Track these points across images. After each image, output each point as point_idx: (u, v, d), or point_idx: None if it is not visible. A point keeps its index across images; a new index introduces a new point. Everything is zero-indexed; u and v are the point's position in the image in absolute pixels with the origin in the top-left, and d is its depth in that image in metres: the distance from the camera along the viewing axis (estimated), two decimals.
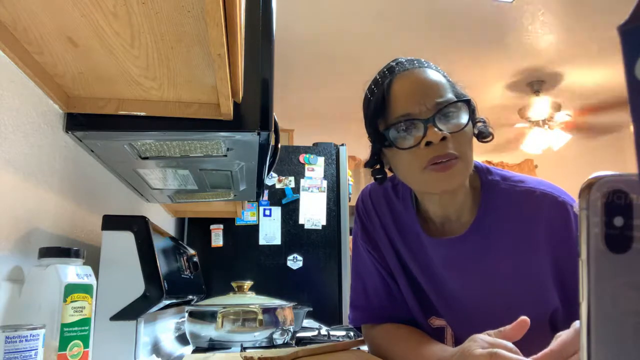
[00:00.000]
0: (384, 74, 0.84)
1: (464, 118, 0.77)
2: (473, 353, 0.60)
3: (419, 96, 0.77)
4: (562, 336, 0.55)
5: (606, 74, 3.78)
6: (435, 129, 0.75)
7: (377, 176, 0.91)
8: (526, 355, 0.57)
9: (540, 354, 0.55)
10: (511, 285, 0.81)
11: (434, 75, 0.80)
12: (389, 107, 0.79)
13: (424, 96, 0.77)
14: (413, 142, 0.77)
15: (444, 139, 0.75)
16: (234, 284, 1.27)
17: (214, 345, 1.12)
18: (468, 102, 0.79)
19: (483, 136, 0.84)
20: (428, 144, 0.75)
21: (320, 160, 2.56)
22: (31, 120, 0.77)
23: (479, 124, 0.84)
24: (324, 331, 1.49)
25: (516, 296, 0.80)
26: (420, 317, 0.92)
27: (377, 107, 0.80)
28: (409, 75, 0.80)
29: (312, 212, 2.49)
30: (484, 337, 0.64)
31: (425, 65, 0.82)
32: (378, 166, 0.89)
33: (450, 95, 0.78)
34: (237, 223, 2.44)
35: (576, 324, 0.56)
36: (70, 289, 0.66)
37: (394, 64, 0.84)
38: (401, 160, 0.80)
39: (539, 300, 0.79)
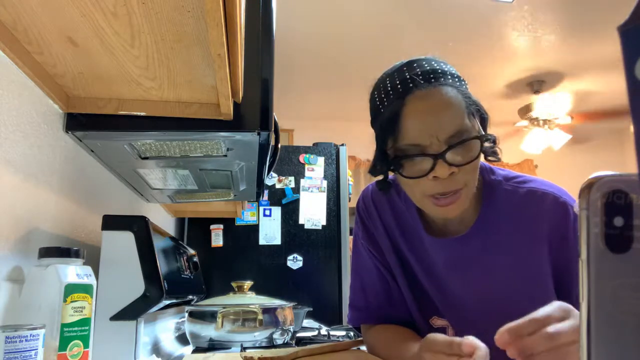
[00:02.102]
0: (396, 89, 0.76)
1: (475, 151, 0.75)
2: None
3: (431, 127, 0.73)
4: (545, 308, 0.56)
5: (607, 74, 3.77)
6: (445, 164, 0.72)
7: (381, 187, 0.90)
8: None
9: (519, 320, 0.55)
10: (513, 285, 0.81)
11: (450, 97, 0.74)
12: (399, 130, 0.75)
13: (436, 127, 0.73)
14: (419, 173, 0.75)
15: (452, 172, 0.73)
16: (234, 284, 1.27)
17: (214, 345, 1.12)
18: (481, 138, 0.75)
19: (489, 156, 0.82)
20: (435, 177, 0.74)
21: (320, 160, 2.56)
22: (31, 120, 0.77)
23: (487, 144, 0.80)
24: (324, 331, 1.49)
25: (518, 296, 0.80)
26: (420, 317, 0.92)
27: (388, 125, 0.76)
28: (424, 100, 0.74)
29: (312, 212, 2.50)
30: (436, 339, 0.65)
31: (442, 79, 0.75)
32: (382, 177, 0.87)
33: (465, 122, 0.74)
34: (237, 223, 2.44)
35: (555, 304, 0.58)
36: (70, 289, 0.66)
37: (408, 77, 0.76)
38: (405, 182, 0.79)
39: (540, 300, 0.79)
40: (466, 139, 0.73)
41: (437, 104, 0.74)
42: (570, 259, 0.77)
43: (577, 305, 0.78)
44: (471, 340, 0.60)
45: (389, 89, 0.78)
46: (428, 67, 0.77)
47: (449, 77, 0.76)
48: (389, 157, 0.78)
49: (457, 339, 0.61)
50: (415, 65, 0.78)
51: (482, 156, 0.79)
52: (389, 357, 0.85)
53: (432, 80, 0.75)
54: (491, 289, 0.83)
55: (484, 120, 0.79)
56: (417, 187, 0.77)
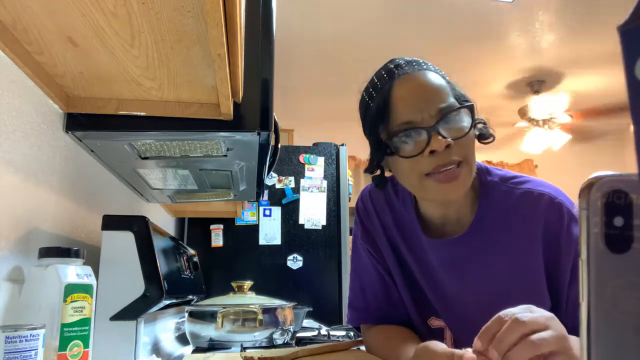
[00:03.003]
0: (383, 78, 0.81)
1: (467, 122, 0.77)
2: None
3: (421, 103, 0.75)
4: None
5: (607, 74, 3.78)
6: (439, 137, 0.73)
7: (377, 183, 0.91)
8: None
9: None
10: (510, 285, 0.81)
11: (434, 78, 0.78)
12: (390, 114, 0.77)
13: (426, 103, 0.75)
14: (416, 150, 0.75)
15: (447, 146, 0.74)
16: (234, 284, 1.27)
17: (214, 345, 1.12)
18: (470, 107, 0.77)
19: (484, 137, 0.83)
20: (432, 152, 0.74)
21: (320, 160, 2.56)
22: (31, 120, 0.77)
23: (480, 126, 0.82)
24: (324, 331, 1.49)
25: (514, 297, 0.80)
26: (418, 317, 0.92)
27: (378, 113, 0.79)
28: (410, 80, 0.78)
29: (312, 212, 2.50)
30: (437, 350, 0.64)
31: (424, 67, 0.80)
32: (378, 172, 0.88)
33: (451, 99, 0.77)
34: (237, 223, 2.44)
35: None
36: (70, 289, 0.66)
37: (392, 66, 0.81)
38: (403, 167, 0.79)
39: (536, 301, 0.79)
40: (457, 109, 0.76)
41: (424, 82, 0.78)
42: (560, 259, 0.77)
43: (568, 304, 0.79)
44: (471, 354, 0.59)
45: (376, 81, 0.82)
46: (411, 59, 0.82)
47: (432, 67, 0.82)
48: (383, 143, 0.79)
49: (457, 351, 0.60)
50: (397, 59, 0.84)
51: (476, 141, 0.81)
52: (387, 358, 0.85)
53: (416, 66, 0.80)
54: (488, 289, 0.83)
55: (471, 107, 0.80)
56: (415, 168, 0.77)
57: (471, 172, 0.78)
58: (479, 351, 0.56)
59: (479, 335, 0.57)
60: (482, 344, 0.56)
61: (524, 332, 0.53)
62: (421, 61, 0.82)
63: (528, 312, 0.57)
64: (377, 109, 0.79)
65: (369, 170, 0.87)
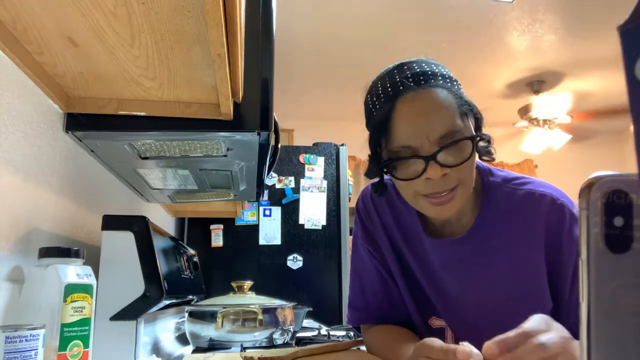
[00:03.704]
0: (387, 92, 0.77)
1: (468, 151, 0.74)
2: None
3: (421, 128, 0.73)
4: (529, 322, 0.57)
5: (607, 74, 3.78)
6: (437, 166, 0.72)
7: (376, 189, 0.90)
8: None
9: (510, 332, 0.55)
10: (511, 286, 0.81)
11: (439, 97, 0.74)
12: (391, 132, 0.75)
13: (427, 128, 0.72)
14: (412, 175, 0.75)
15: (444, 174, 0.73)
16: (234, 284, 1.27)
17: (214, 345, 1.12)
18: (473, 138, 0.75)
19: (484, 155, 0.82)
20: (428, 178, 0.74)
21: (320, 160, 2.56)
22: (31, 120, 0.77)
23: (482, 143, 0.80)
24: (324, 331, 1.49)
25: (515, 297, 0.81)
26: (418, 317, 0.92)
27: (380, 128, 0.76)
28: (414, 102, 0.74)
29: (312, 212, 2.50)
30: (434, 345, 0.63)
31: (432, 81, 0.75)
32: (377, 178, 0.87)
33: (456, 122, 0.74)
34: (237, 223, 2.44)
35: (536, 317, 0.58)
36: (70, 289, 0.66)
37: (398, 80, 0.76)
38: (398, 183, 0.80)
39: (537, 301, 0.79)
40: (457, 140, 0.73)
41: (427, 105, 0.74)
42: (561, 260, 0.77)
43: (570, 305, 0.79)
44: (465, 346, 0.59)
45: (380, 92, 0.78)
46: (418, 70, 0.77)
47: (440, 78, 0.76)
48: (381, 159, 0.79)
49: (453, 346, 0.60)
50: (405, 67, 0.78)
51: (477, 156, 0.79)
52: (387, 358, 0.84)
53: (422, 82, 0.75)
54: (490, 290, 0.83)
55: (477, 120, 0.79)
56: (410, 187, 0.77)
57: (467, 192, 0.78)
58: (489, 355, 0.55)
59: (497, 342, 0.55)
60: (498, 351, 0.54)
61: (545, 358, 0.53)
62: (429, 72, 0.76)
63: (544, 326, 0.56)
64: (379, 123, 0.76)
65: (368, 175, 0.87)
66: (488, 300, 0.83)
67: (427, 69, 0.77)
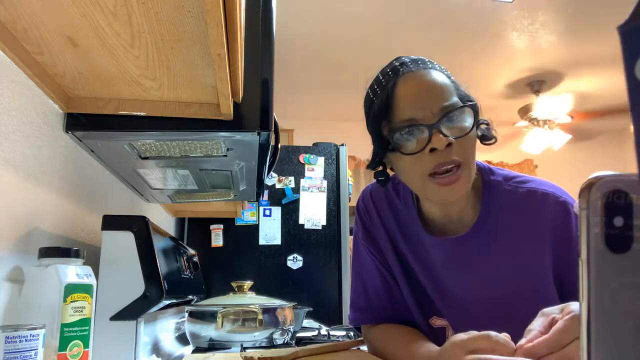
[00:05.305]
0: (387, 75, 0.81)
1: (469, 122, 0.77)
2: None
3: (423, 100, 0.76)
4: (557, 323, 0.54)
5: (607, 74, 3.78)
6: (441, 135, 0.74)
7: (379, 178, 0.91)
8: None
9: (536, 341, 0.54)
10: (512, 285, 0.81)
11: (438, 77, 0.78)
12: (393, 110, 0.78)
13: (429, 100, 0.76)
14: (417, 147, 0.76)
15: (449, 144, 0.74)
16: (234, 284, 1.27)
17: (214, 345, 1.12)
18: (473, 106, 0.78)
19: (486, 139, 0.83)
20: (432, 149, 0.75)
21: (320, 160, 2.56)
22: (31, 120, 0.77)
23: (483, 126, 0.82)
24: (324, 331, 1.48)
25: (517, 296, 0.80)
26: (420, 317, 0.92)
27: (381, 109, 0.79)
28: (414, 78, 0.78)
29: (312, 212, 2.49)
30: (464, 338, 0.61)
31: (430, 66, 0.81)
32: (380, 168, 0.88)
33: (455, 98, 0.77)
34: (237, 223, 2.44)
35: (570, 305, 0.56)
36: (70, 289, 0.66)
37: (397, 64, 0.82)
38: (404, 164, 0.80)
39: (540, 300, 0.79)
40: (459, 107, 0.76)
41: (428, 80, 0.78)
42: (573, 258, 0.77)
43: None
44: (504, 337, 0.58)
45: (381, 78, 0.83)
46: (417, 58, 0.83)
47: (437, 66, 0.82)
48: (385, 138, 0.79)
49: (492, 333, 0.59)
50: (403, 57, 0.84)
51: (477, 141, 0.81)
52: (397, 355, 0.84)
53: (421, 64, 0.80)
54: (491, 288, 0.83)
55: (474, 107, 0.80)
56: (416, 167, 0.77)
57: (470, 175, 0.78)
58: (535, 354, 0.54)
59: (524, 351, 0.53)
60: (547, 349, 0.52)
61: None
62: (427, 60, 0.82)
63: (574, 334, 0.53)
64: (380, 105, 0.79)
65: (371, 166, 0.87)
66: (489, 299, 0.83)
67: (425, 59, 0.83)
